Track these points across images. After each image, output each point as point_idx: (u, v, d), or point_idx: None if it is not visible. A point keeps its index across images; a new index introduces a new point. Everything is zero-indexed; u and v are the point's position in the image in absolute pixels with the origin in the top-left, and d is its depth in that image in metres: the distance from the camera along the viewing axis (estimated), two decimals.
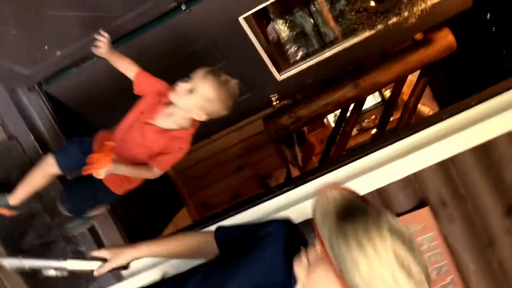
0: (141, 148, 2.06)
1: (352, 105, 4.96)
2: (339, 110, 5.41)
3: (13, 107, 2.53)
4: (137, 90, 2.12)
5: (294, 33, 3.58)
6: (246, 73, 3.10)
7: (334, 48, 3.23)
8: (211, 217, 2.73)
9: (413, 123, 4.67)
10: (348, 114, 5.14)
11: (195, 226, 2.71)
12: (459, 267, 2.28)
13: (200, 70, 1.92)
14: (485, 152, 2.22)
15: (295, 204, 2.41)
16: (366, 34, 3.06)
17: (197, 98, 1.89)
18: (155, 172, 2.09)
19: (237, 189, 4.90)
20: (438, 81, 4.88)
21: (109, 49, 2.15)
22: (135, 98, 2.15)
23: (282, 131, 4.10)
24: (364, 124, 9.65)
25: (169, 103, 1.99)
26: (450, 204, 2.28)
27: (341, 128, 5.21)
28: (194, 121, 2.05)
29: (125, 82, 2.11)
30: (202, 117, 1.96)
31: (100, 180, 2.00)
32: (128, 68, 2.12)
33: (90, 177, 1.97)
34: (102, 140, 2.14)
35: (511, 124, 2.17)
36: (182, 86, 1.91)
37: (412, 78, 5.09)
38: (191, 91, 1.88)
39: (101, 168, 1.88)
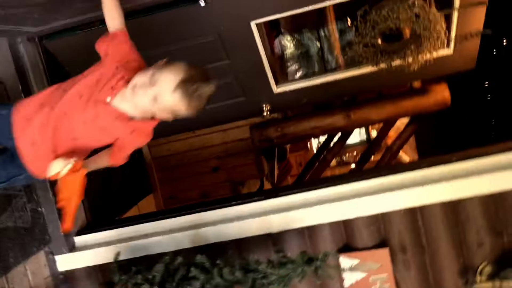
0: (88, 129, 1.67)
1: (338, 135, 5.03)
2: (325, 137, 5.48)
3: (8, 52, 2.49)
4: (102, 48, 1.74)
5: (299, 52, 3.62)
6: (245, 77, 3.12)
7: (334, 75, 3.28)
8: (176, 209, 2.72)
9: (392, 165, 4.74)
10: (332, 143, 5.20)
11: (159, 214, 2.70)
12: None
13: (169, 78, 1.51)
14: (453, 209, 2.27)
15: (261, 215, 2.42)
16: (368, 69, 3.11)
17: (159, 108, 1.56)
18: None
19: (208, 189, 4.89)
20: (424, 132, 4.98)
21: None
22: None
23: (266, 142, 4.13)
24: (344, 157, 9.78)
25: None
26: (409, 251, 2.32)
27: (322, 155, 5.26)
28: None
29: None
30: (163, 117, 1.64)
31: (16, 156, 1.74)
32: (114, 18, 1.72)
33: (9, 149, 1.77)
34: (27, 109, 1.73)
35: (485, 188, 2.23)
36: (143, 92, 1.53)
37: (400, 125, 5.19)
38: (154, 99, 1.53)
39: (79, 192, 1.67)
